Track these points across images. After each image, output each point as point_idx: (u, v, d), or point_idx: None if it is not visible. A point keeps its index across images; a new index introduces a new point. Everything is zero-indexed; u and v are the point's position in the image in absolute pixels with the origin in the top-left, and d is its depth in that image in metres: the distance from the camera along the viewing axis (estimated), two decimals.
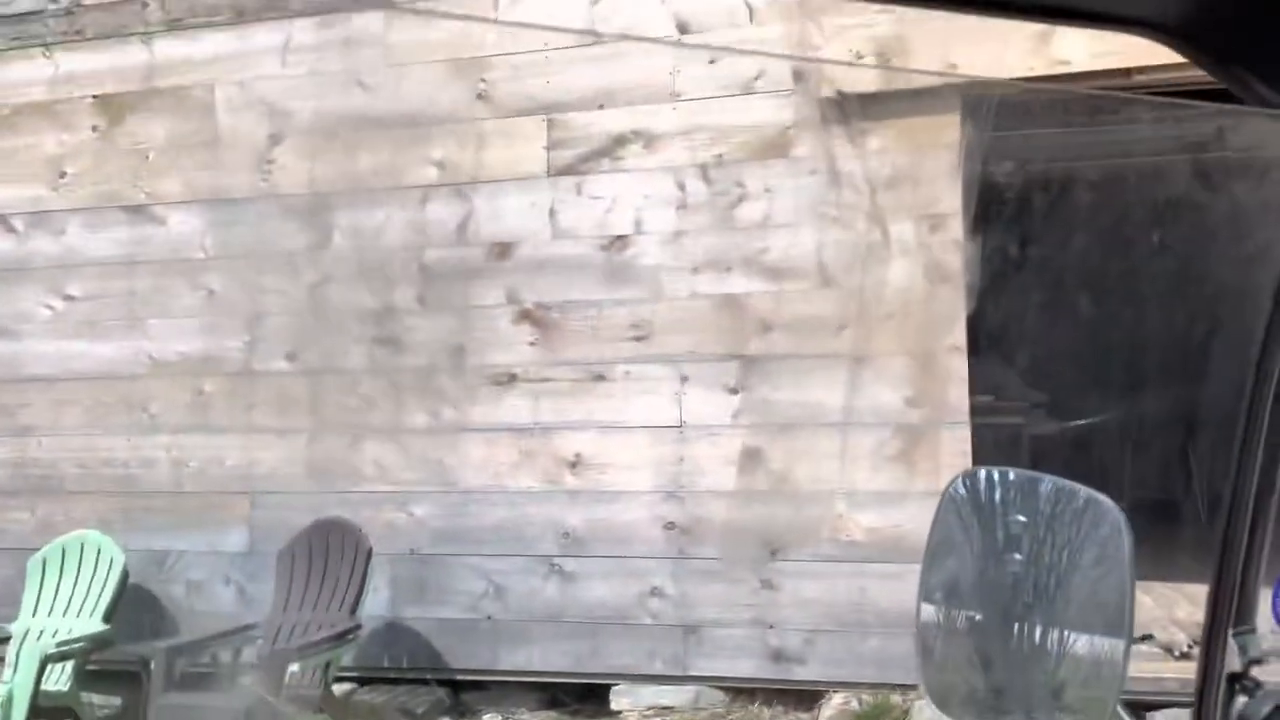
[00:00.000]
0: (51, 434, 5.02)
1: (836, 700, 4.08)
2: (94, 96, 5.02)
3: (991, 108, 4.02)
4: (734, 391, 4.30)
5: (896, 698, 3.99)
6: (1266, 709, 0.64)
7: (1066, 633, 0.70)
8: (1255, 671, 0.66)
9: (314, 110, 4.73)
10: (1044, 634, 0.72)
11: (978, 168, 4.08)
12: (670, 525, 4.34)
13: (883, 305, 4.15)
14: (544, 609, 4.46)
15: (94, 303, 5.00)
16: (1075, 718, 0.72)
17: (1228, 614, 0.65)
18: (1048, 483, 0.75)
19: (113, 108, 4.99)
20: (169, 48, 4.92)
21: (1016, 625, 0.74)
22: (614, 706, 4.31)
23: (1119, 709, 0.70)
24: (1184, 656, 4.16)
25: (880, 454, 4.15)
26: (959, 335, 4.10)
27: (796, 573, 4.22)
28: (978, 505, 0.80)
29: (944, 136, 4.09)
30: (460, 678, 4.54)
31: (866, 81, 4.16)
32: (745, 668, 4.26)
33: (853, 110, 4.17)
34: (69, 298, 5.03)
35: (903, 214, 4.13)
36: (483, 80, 4.56)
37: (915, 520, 4.19)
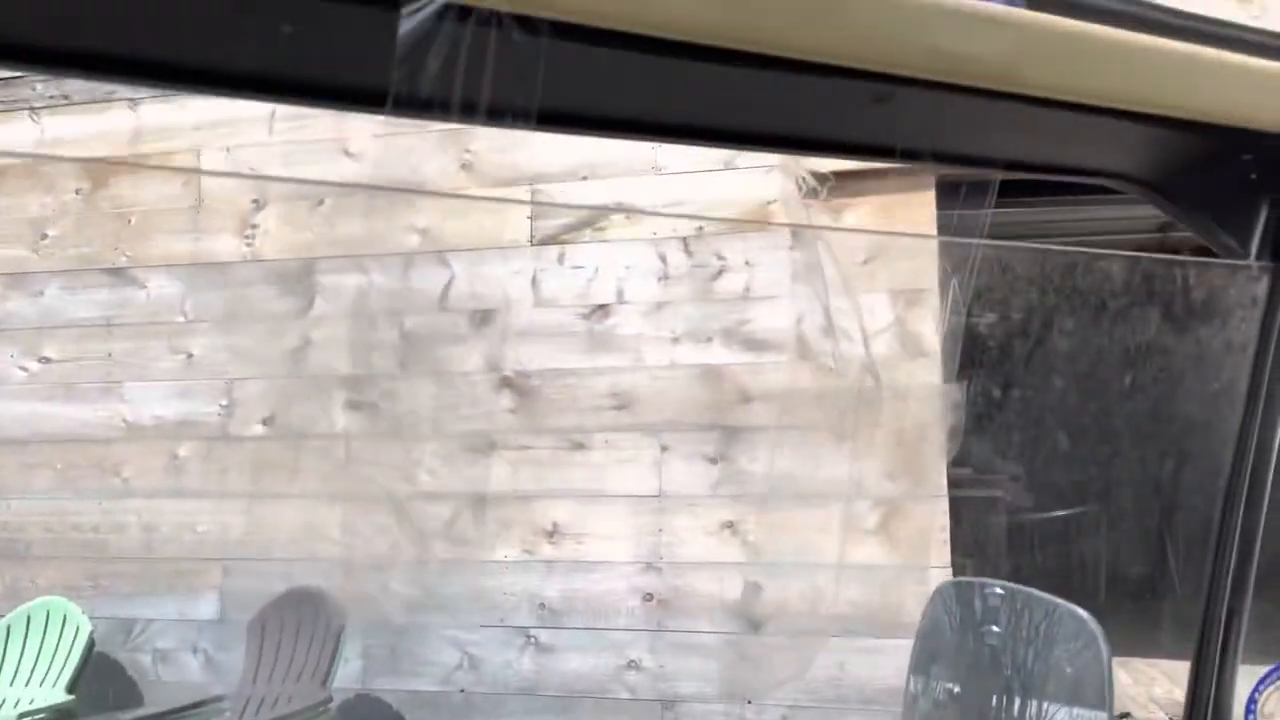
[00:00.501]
0: (21, 497, 4.94)
1: None
2: (78, 160, 5.04)
3: (966, 192, 4.10)
4: (714, 462, 4.31)
5: None
6: None
7: None
8: None
9: (299, 176, 4.77)
10: None
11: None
12: (649, 597, 4.30)
13: (861, 378, 4.18)
14: (519, 682, 4.39)
15: (70, 365, 4.97)
16: None
17: None
18: (1027, 596, 0.76)
19: (97, 171, 5.02)
20: (155, 113, 4.97)
21: None
22: None
23: None
24: None
25: (860, 526, 4.15)
26: (936, 410, 4.13)
27: (775, 646, 4.18)
28: (963, 618, 0.81)
29: (920, 213, 4.17)
30: None
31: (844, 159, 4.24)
32: None
33: (830, 187, 4.25)
34: (45, 359, 5.00)
35: (880, 289, 4.19)
36: (467, 151, 4.62)
37: (896, 593, 4.18)
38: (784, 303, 4.27)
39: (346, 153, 4.72)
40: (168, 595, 4.70)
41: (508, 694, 4.39)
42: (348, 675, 4.37)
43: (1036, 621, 0.71)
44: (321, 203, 4.75)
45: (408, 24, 0.50)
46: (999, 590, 0.76)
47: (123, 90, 4.98)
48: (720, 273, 4.36)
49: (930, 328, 4.15)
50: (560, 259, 4.52)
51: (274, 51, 0.54)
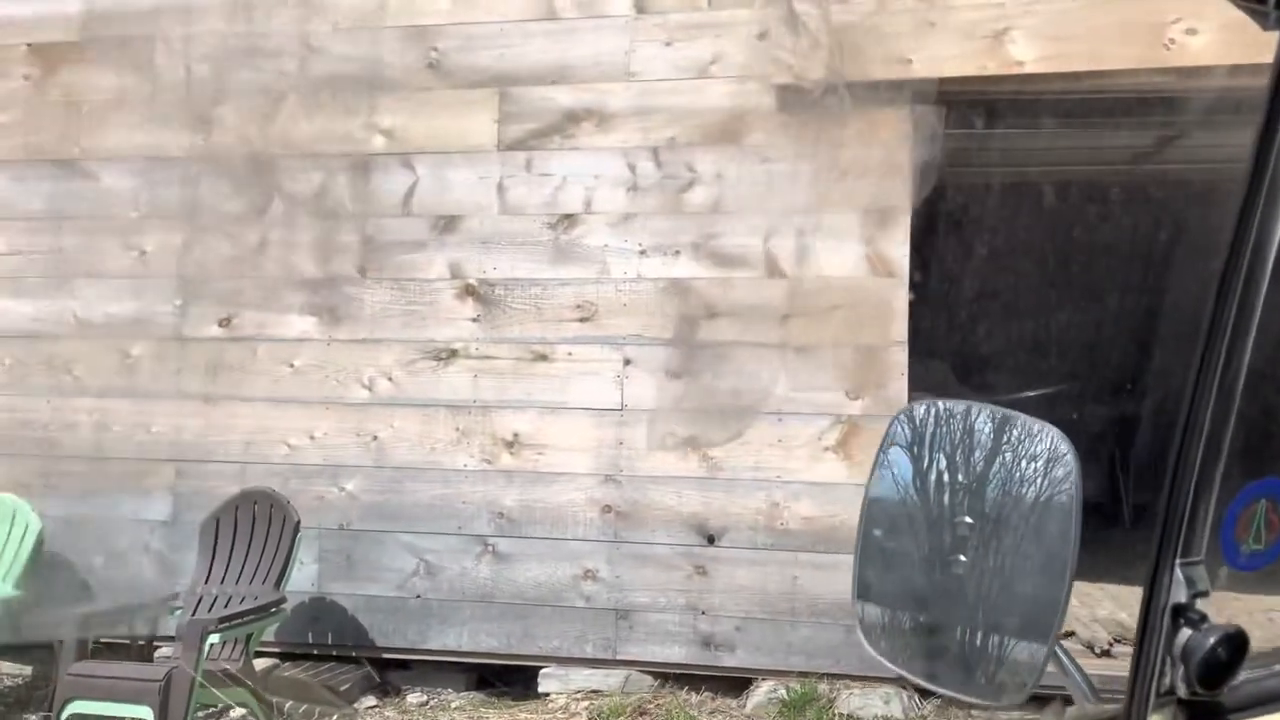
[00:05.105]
0: None
1: (764, 687, 4.08)
2: (28, 44, 4.83)
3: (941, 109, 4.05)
4: (676, 376, 4.28)
5: (824, 686, 4.00)
6: (1211, 641, 0.63)
7: (1007, 567, 0.69)
8: (1200, 604, 0.65)
9: (259, 70, 4.61)
10: (984, 570, 0.70)
11: (929, 190, 4.08)
12: (607, 509, 4.30)
13: (828, 296, 4.15)
14: (475, 589, 4.40)
15: (18, 258, 4.81)
16: (1013, 654, 0.70)
17: (1175, 545, 0.64)
18: (992, 413, 0.73)
19: (47, 56, 4.81)
20: None
21: (955, 560, 0.72)
22: (542, 689, 4.26)
23: (1058, 648, 0.68)
24: (1105, 654, 4.24)
25: (818, 444, 4.16)
26: (901, 330, 4.12)
27: (730, 560, 4.21)
28: (921, 438, 0.78)
29: (895, 130, 4.11)
30: (386, 656, 4.46)
31: (820, 71, 4.16)
32: (676, 653, 4.25)
33: (807, 100, 4.17)
34: None
35: (851, 206, 4.14)
36: (434, 49, 4.47)
37: (850, 511, 4.21)
38: (754, 217, 4.22)
39: (308, 46, 4.56)
40: (119, 495, 4.63)
41: (464, 601, 4.39)
42: (302, 579, 4.35)
43: (1003, 438, 0.69)
44: (283, 98, 4.59)
45: None
46: (961, 408, 0.73)
47: None
48: (690, 185, 4.29)
49: (901, 250, 4.11)
50: (528, 165, 4.42)
51: None
